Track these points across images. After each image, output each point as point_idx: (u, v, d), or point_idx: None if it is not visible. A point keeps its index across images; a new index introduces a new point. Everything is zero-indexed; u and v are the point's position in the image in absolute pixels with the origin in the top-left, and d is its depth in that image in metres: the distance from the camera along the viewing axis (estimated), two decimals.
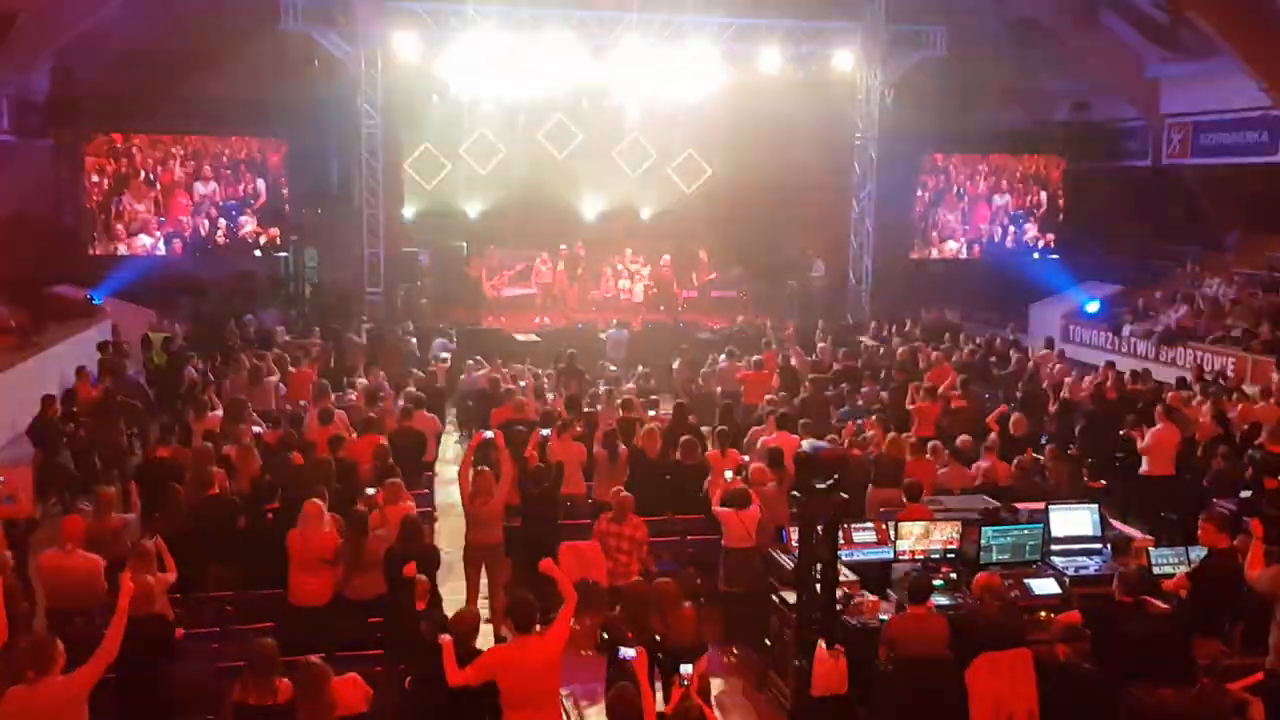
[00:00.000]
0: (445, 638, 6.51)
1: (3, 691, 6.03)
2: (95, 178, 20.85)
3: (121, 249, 21.01)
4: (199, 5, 19.15)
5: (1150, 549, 8.86)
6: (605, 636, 7.15)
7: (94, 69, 20.07)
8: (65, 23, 17.74)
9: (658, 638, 7.10)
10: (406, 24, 19.00)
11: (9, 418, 12.69)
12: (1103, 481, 12.19)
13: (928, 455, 11.26)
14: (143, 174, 21.08)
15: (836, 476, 7.52)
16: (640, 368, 16.03)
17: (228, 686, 6.80)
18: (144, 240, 21.15)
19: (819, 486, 7.46)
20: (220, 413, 12.37)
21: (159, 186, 21.20)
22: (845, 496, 7.71)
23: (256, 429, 11.38)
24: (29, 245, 19.18)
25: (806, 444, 8.51)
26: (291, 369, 14.92)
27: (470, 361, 16.22)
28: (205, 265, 21.53)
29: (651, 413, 12.83)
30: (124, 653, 6.68)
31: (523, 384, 14.24)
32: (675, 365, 16.44)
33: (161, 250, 21.23)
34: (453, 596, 9.13)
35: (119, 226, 20.98)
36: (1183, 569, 8.30)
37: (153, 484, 9.81)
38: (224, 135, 21.34)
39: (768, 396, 13.63)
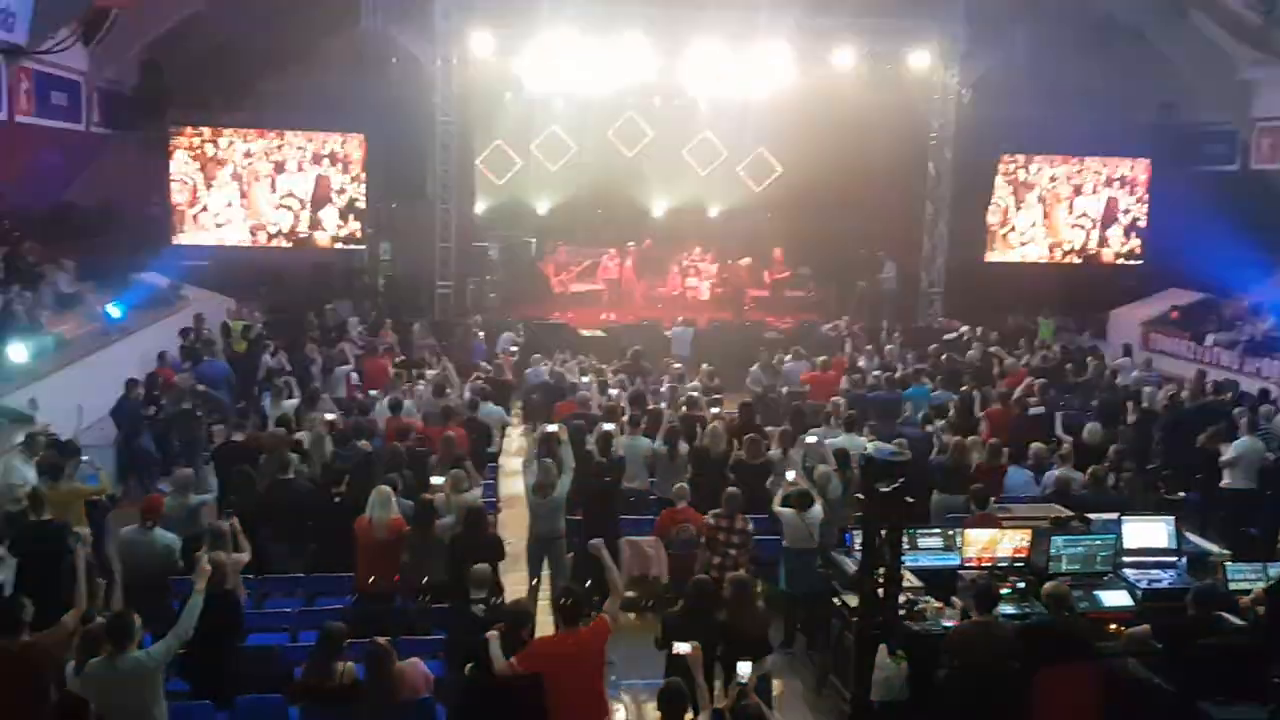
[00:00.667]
0: (492, 632, 6.59)
1: (81, 663, 6.24)
2: (182, 169, 21.38)
3: (206, 239, 21.51)
4: (284, 3, 19.53)
5: (1228, 564, 8.63)
6: (663, 631, 7.17)
7: (181, 63, 20.58)
8: (155, 18, 18.21)
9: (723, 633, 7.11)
10: (482, 22, 19.19)
11: (95, 400, 13.05)
12: (1181, 493, 11.93)
13: (1001, 460, 11.15)
14: (229, 166, 21.57)
15: (902, 480, 7.44)
16: (705, 365, 16.02)
17: (295, 666, 6.95)
18: (229, 231, 21.63)
19: (883, 490, 7.39)
20: (296, 399, 12.66)
21: (244, 178, 21.68)
22: (910, 501, 7.62)
23: (330, 416, 11.60)
24: (117, 234, 19.73)
25: (872, 447, 8.44)
26: (365, 359, 15.22)
27: (536, 355, 16.37)
28: (285, 256, 21.97)
29: (715, 410, 12.81)
30: (195, 628, 6.88)
31: (586, 379, 14.32)
32: (755, 369, 16.16)
33: (245, 241, 21.68)
34: (515, 587, 9.22)
35: (204, 217, 21.50)
36: (1261, 585, 8.09)
37: (229, 467, 10.07)
38: (305, 129, 21.75)
39: (833, 398, 13.54)
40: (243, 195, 21.66)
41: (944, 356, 17.09)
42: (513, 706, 6.46)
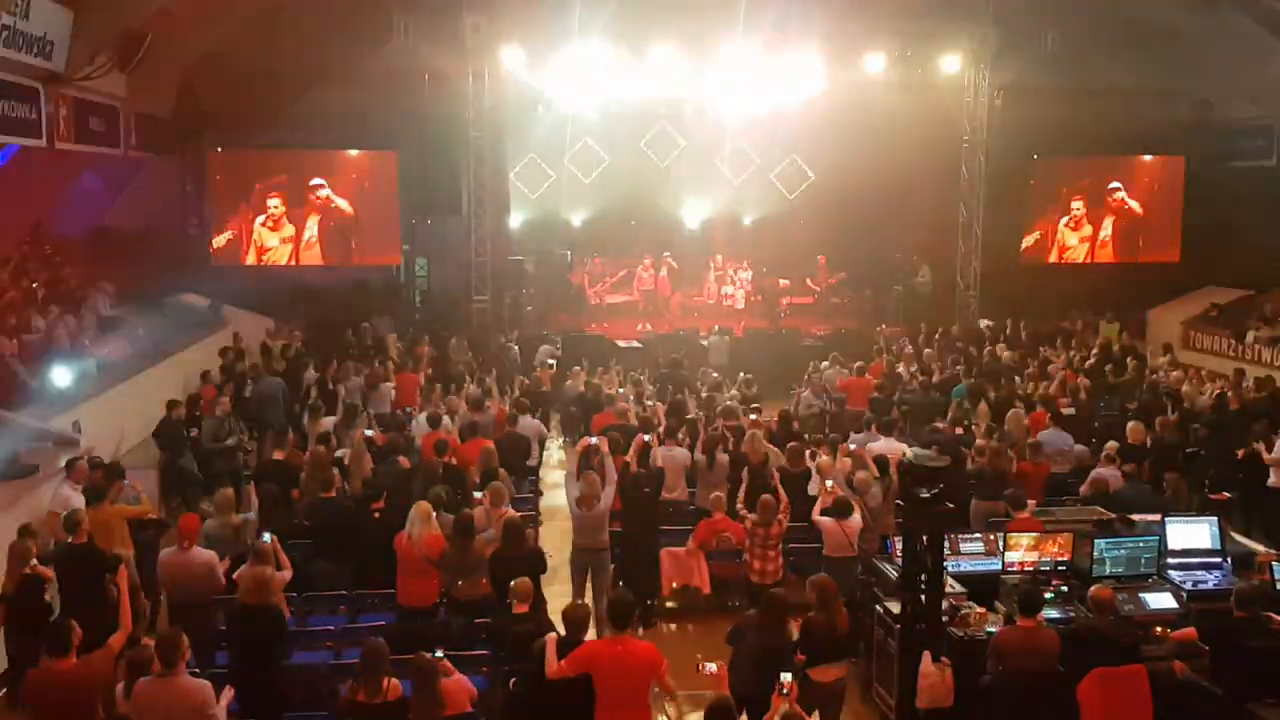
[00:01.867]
0: (550, 635, 6.62)
1: (130, 684, 6.33)
2: (220, 190, 21.60)
3: (244, 259, 21.72)
4: (315, 24, 19.72)
5: (1274, 563, 8.51)
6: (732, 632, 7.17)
7: (216, 86, 20.83)
8: (191, 42, 18.47)
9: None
10: (512, 37, 19.30)
11: (137, 421, 13.22)
12: (1225, 494, 11.79)
13: (1040, 459, 11.11)
14: (266, 186, 21.75)
15: (941, 485, 7.40)
16: (743, 374, 16.00)
17: (340, 683, 7.01)
18: (266, 251, 21.83)
19: (923, 495, 7.35)
20: (334, 417, 12.77)
21: (281, 198, 21.86)
22: (951, 506, 7.58)
23: (368, 432, 11.69)
24: (156, 256, 20.00)
25: (911, 452, 8.41)
26: (397, 374, 15.33)
27: (577, 368, 16.42)
28: (323, 275, 22.16)
29: (752, 417, 12.81)
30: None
31: (622, 390, 14.34)
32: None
33: (283, 260, 21.85)
34: (556, 601, 9.24)
35: (242, 237, 21.70)
36: None
37: (270, 485, 10.16)
38: (338, 148, 21.94)
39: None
40: (278, 215, 21.84)
41: (984, 352, 17.03)
42: (559, 706, 6.51)
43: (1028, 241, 23.52)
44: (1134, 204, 23.83)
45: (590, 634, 6.95)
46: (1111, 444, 11.50)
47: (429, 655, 6.62)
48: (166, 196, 21.40)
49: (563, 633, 6.82)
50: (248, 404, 14.69)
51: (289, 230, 21.87)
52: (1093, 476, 10.68)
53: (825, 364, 16.43)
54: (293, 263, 21.88)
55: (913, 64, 20.38)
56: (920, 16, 20.28)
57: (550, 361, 17.31)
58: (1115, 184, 23.76)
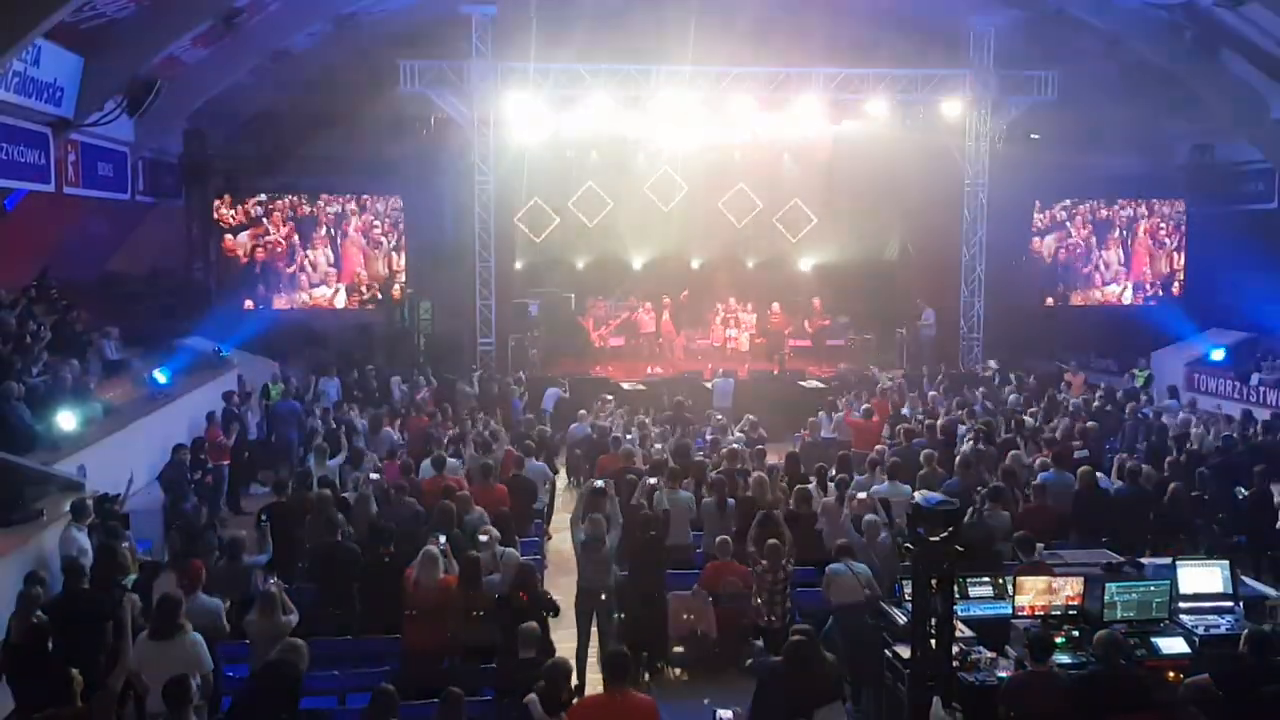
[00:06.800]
0: (531, 695, 6.56)
1: None
2: (229, 235, 21.72)
3: (249, 303, 21.81)
4: (323, 70, 19.95)
5: None
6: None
7: (224, 132, 21.04)
8: (198, 89, 18.65)
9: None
10: (517, 84, 19.53)
11: (142, 465, 13.18)
12: (1234, 538, 11.72)
13: (1046, 499, 11.08)
14: (279, 230, 21.88)
15: (952, 529, 7.35)
16: (749, 416, 15.97)
17: None
18: (275, 295, 21.93)
19: (933, 539, 7.30)
20: (339, 459, 12.74)
21: (294, 242, 22.00)
22: (960, 549, 7.52)
23: (374, 475, 11.66)
24: (163, 299, 20.06)
25: (919, 495, 8.35)
26: (407, 419, 15.30)
27: (583, 411, 16.40)
28: (326, 316, 22.22)
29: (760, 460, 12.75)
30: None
31: (630, 435, 14.32)
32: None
33: (289, 304, 21.92)
34: (563, 645, 9.17)
35: (252, 279, 21.80)
36: None
37: (276, 528, 10.11)
38: (345, 194, 22.10)
39: (877, 446, 13.45)
40: (292, 259, 21.96)
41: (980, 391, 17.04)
42: None
43: (1030, 284, 23.59)
44: (1133, 244, 23.90)
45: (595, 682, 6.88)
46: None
47: (457, 690, 6.62)
48: (173, 241, 21.53)
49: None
50: (254, 447, 14.70)
51: (295, 273, 21.94)
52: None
53: (821, 412, 16.31)
54: (304, 299, 21.95)
55: (914, 109, 20.56)
56: (921, 63, 20.52)
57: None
58: (1118, 226, 23.85)
